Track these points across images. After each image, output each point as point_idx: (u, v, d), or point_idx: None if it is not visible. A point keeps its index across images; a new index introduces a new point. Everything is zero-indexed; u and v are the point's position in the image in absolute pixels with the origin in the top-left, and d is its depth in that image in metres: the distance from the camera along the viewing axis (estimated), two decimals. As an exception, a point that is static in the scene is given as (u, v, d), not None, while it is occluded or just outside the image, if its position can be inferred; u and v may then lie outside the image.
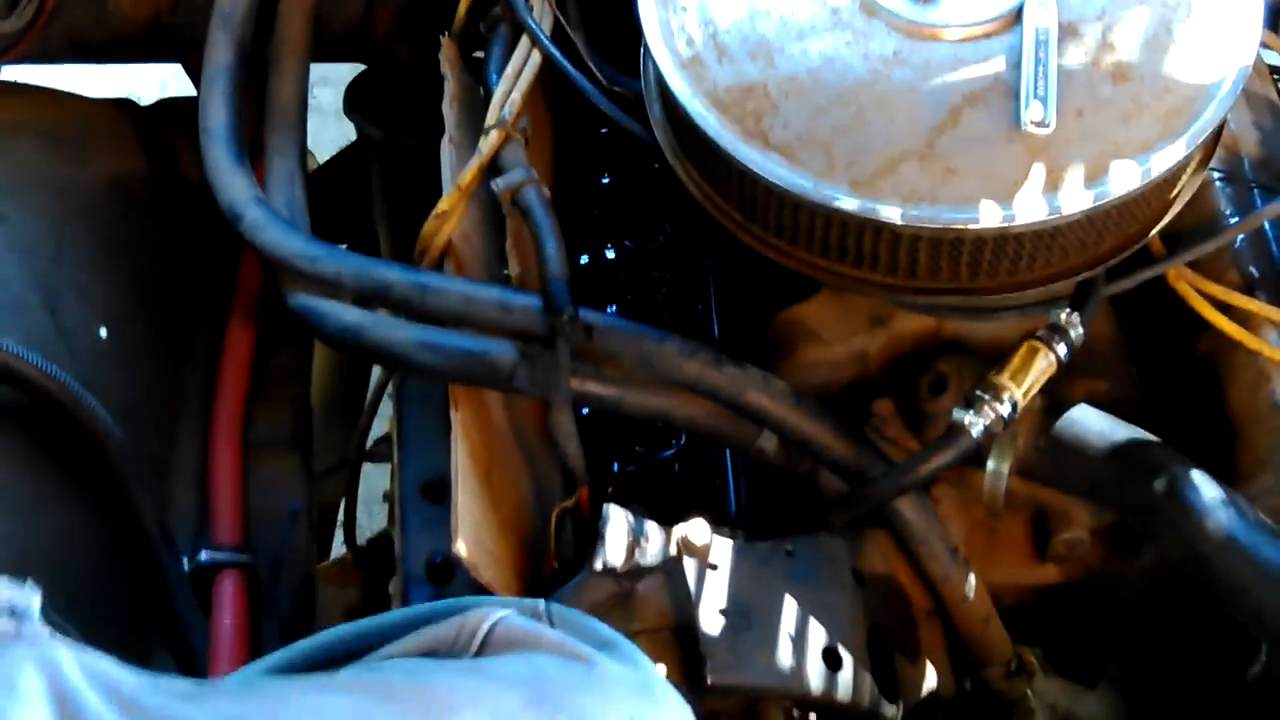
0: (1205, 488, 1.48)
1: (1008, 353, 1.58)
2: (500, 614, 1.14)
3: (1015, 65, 1.53)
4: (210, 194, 1.76)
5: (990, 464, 1.61)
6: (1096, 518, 1.71)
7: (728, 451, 1.81)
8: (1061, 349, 1.56)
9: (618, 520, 1.46)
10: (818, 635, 1.50)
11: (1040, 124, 1.48)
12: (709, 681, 1.42)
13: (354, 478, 2.07)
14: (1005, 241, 1.50)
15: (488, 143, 1.70)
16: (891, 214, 1.46)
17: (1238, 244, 1.75)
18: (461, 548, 1.46)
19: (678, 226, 1.99)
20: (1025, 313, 1.63)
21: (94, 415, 1.60)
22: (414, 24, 2.19)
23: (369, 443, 2.10)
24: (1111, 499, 1.58)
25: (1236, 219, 1.74)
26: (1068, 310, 1.58)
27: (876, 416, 1.69)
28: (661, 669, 1.47)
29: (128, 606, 1.62)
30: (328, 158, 2.60)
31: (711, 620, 1.46)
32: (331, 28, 2.16)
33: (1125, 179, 1.46)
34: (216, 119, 1.81)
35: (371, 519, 3.22)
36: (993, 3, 1.57)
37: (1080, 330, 1.58)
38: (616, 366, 1.61)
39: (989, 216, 1.45)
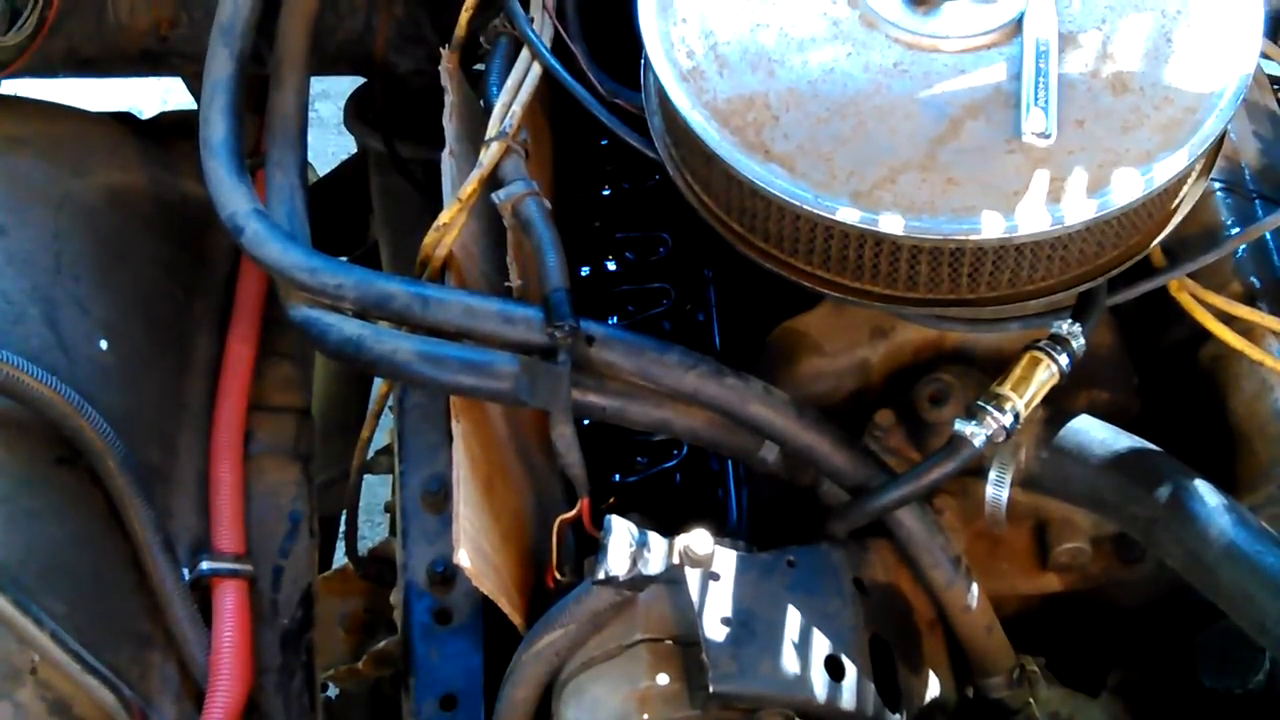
0: (1208, 497, 1.48)
1: (1009, 363, 1.58)
2: None
3: (1015, 76, 1.53)
4: (210, 206, 1.77)
5: (992, 474, 1.61)
6: (1098, 527, 1.71)
7: (729, 462, 1.81)
8: (1063, 359, 1.56)
9: (620, 531, 1.46)
10: (820, 644, 1.50)
11: (1041, 134, 1.48)
12: (712, 690, 1.42)
13: (355, 488, 2.07)
14: (1006, 252, 1.50)
15: (488, 155, 1.71)
16: (892, 225, 1.46)
17: (1239, 254, 1.75)
18: (463, 558, 1.46)
19: (678, 238, 1.99)
20: (1027, 323, 1.63)
21: (94, 426, 1.61)
22: (414, 37, 2.20)
23: (370, 454, 2.10)
24: (1113, 509, 1.57)
25: (1238, 229, 1.74)
26: (1069, 321, 1.58)
27: (878, 427, 1.68)
28: (664, 678, 1.47)
29: (128, 617, 1.62)
30: (328, 170, 2.61)
31: (714, 629, 1.46)
32: (332, 41, 2.16)
33: (1127, 189, 1.46)
34: (217, 132, 1.81)
35: (373, 529, 3.23)
36: (992, 14, 1.57)
37: (1082, 341, 1.58)
38: (618, 378, 1.61)
39: (990, 227, 1.45)
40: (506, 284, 1.71)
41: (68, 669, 1.48)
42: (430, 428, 1.92)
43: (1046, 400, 1.57)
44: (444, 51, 1.92)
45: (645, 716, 1.46)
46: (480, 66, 1.92)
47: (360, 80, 2.35)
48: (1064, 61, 1.54)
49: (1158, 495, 1.50)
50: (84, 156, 1.94)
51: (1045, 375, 1.56)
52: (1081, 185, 1.46)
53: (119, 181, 1.96)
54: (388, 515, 2.34)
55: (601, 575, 1.45)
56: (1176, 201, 1.61)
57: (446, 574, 1.83)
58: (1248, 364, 1.68)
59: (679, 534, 1.48)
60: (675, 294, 1.95)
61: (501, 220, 1.70)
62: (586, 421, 1.71)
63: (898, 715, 1.54)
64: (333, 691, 2.24)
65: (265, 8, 1.92)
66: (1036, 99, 1.50)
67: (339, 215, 2.43)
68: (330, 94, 3.95)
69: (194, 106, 1.96)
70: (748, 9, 1.62)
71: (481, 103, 1.82)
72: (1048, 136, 1.48)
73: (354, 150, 2.54)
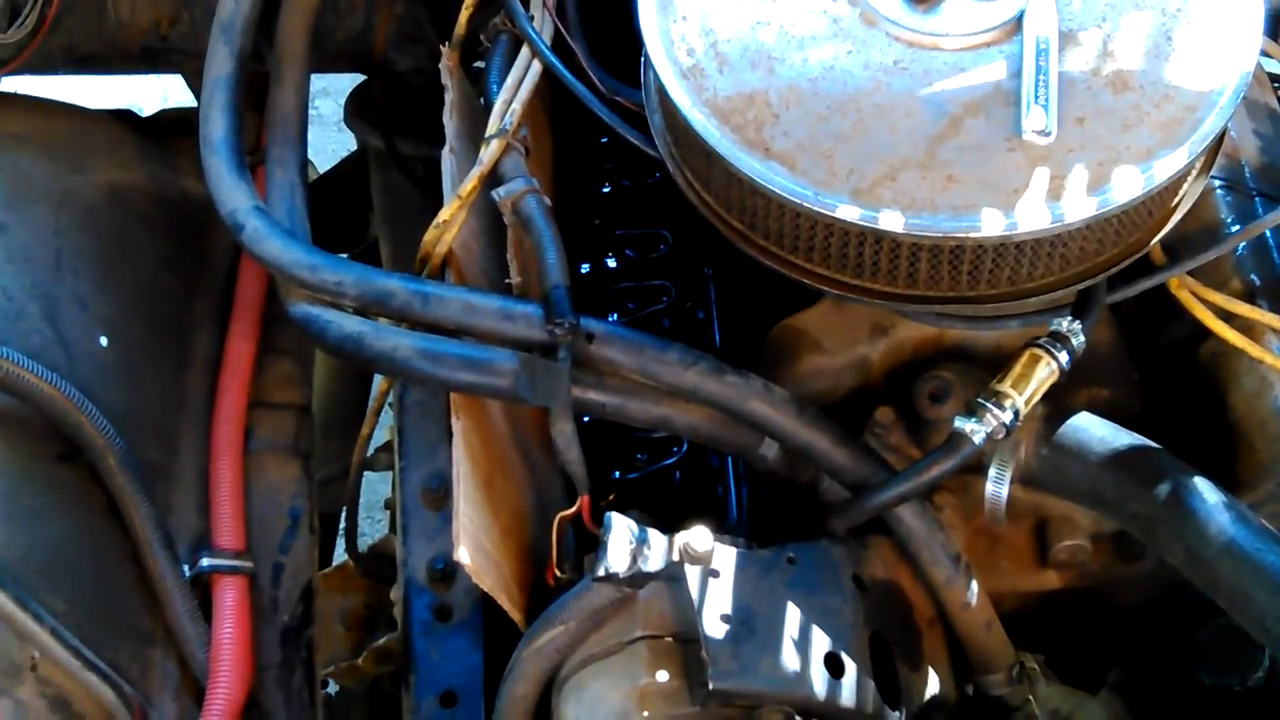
0: (1207, 495, 1.48)
1: (1009, 360, 1.58)
2: None
3: (1016, 74, 1.53)
4: (210, 203, 1.77)
5: (992, 471, 1.61)
6: (1098, 525, 1.71)
7: (729, 459, 1.81)
8: (1063, 357, 1.56)
9: (619, 528, 1.46)
10: (820, 642, 1.50)
11: (1041, 132, 1.48)
12: (711, 687, 1.42)
13: (355, 485, 2.07)
14: (1006, 250, 1.50)
15: (488, 152, 1.71)
16: (892, 222, 1.46)
17: (1239, 252, 1.75)
18: (463, 554, 1.46)
19: (679, 235, 1.99)
20: (1027, 321, 1.63)
21: (94, 423, 1.61)
22: (414, 35, 2.20)
23: (370, 450, 2.10)
24: (1113, 506, 1.57)
25: (1238, 227, 1.74)
26: (1069, 318, 1.58)
27: (878, 424, 1.69)
28: (663, 675, 1.47)
29: (128, 614, 1.62)
30: (328, 167, 2.61)
31: (714, 626, 1.46)
32: (332, 39, 2.17)
33: (1127, 187, 1.46)
34: (217, 130, 1.81)
35: (373, 526, 3.23)
36: (993, 12, 1.57)
37: (1082, 338, 1.58)
38: (618, 375, 1.61)
39: (990, 225, 1.45)
40: (506, 281, 1.71)
41: (67, 666, 1.48)
42: (430, 425, 1.93)
43: (1046, 397, 1.58)
44: (444, 49, 1.92)
45: (645, 714, 1.46)
46: (480, 64, 1.92)
47: (360, 78, 2.35)
48: (1064, 59, 1.54)
49: (1157, 493, 1.50)
50: (84, 154, 1.94)
51: (1045, 372, 1.56)
52: (1081, 183, 1.46)
53: (119, 179, 1.96)
54: (388, 512, 2.34)
55: (601, 572, 1.45)
56: (1176, 199, 1.61)
57: (446, 571, 1.83)
58: (1248, 362, 1.68)
59: (679, 531, 1.48)
60: (675, 291, 1.95)
61: (502, 217, 1.70)
62: (586, 418, 1.71)
63: (897, 713, 1.54)
64: (333, 688, 2.24)
65: (266, 5, 1.92)
66: (1037, 97, 1.50)
67: (339, 212, 2.43)
68: (330, 91, 3.95)
69: (194, 104, 1.96)
70: (748, 7, 1.62)
71: (481, 100, 1.82)
72: (1048, 134, 1.48)
73: (354, 148, 2.54)
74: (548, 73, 1.80)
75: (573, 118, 1.95)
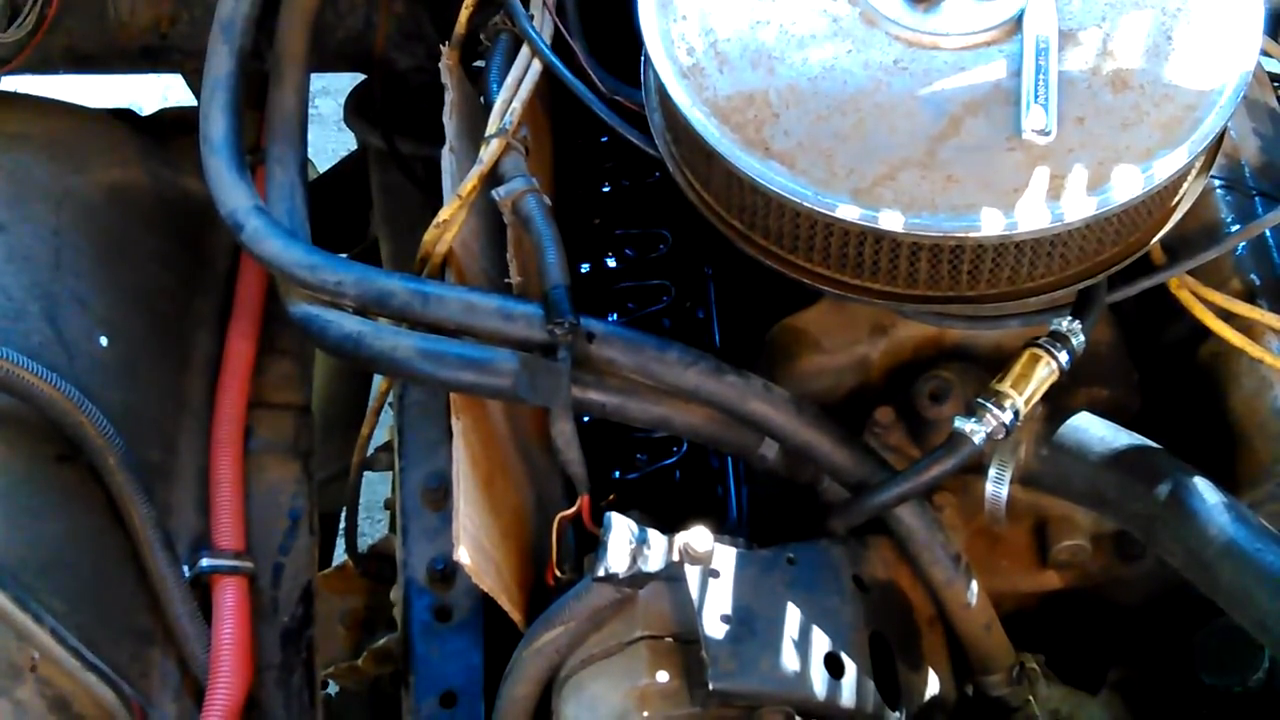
0: (1207, 494, 1.48)
1: (1009, 360, 1.58)
2: None
3: (1016, 73, 1.53)
4: (210, 203, 1.77)
5: (992, 471, 1.61)
6: (1098, 525, 1.71)
7: (729, 459, 1.81)
8: (1063, 357, 1.56)
9: (620, 528, 1.46)
10: (820, 642, 1.50)
11: (1041, 131, 1.48)
12: (711, 687, 1.42)
13: (355, 485, 2.07)
14: (1006, 249, 1.50)
15: (488, 152, 1.71)
16: (892, 222, 1.46)
17: (1239, 251, 1.75)
18: (463, 555, 1.46)
19: (678, 235, 1.99)
20: (1027, 321, 1.63)
21: (95, 423, 1.61)
22: (414, 34, 2.20)
23: (370, 450, 2.10)
24: (1113, 506, 1.57)
25: (1238, 227, 1.74)
26: (1069, 318, 1.58)
27: (878, 424, 1.69)
28: (663, 676, 1.47)
29: (128, 614, 1.62)
30: (328, 167, 2.61)
31: (714, 627, 1.46)
32: (332, 38, 2.17)
33: (1127, 186, 1.46)
34: (217, 129, 1.81)
35: (373, 526, 3.23)
36: (993, 11, 1.57)
37: (1082, 338, 1.58)
38: (618, 375, 1.61)
39: (990, 224, 1.45)
40: (506, 280, 1.71)
41: (67, 666, 1.48)
42: (430, 424, 1.92)
43: (1046, 397, 1.57)
44: (444, 48, 1.92)
45: (645, 714, 1.46)
46: (480, 63, 1.92)
47: (360, 77, 2.35)
48: (1064, 59, 1.54)
49: (1158, 493, 1.50)
50: (84, 153, 1.94)
51: (1045, 372, 1.56)
52: (1081, 182, 1.46)
53: (119, 178, 1.96)
54: (388, 512, 2.34)
55: (601, 572, 1.45)
56: (1176, 199, 1.61)
57: (447, 571, 1.83)
58: (1247, 361, 1.68)
59: (679, 531, 1.48)
60: (675, 291, 1.95)
61: (502, 217, 1.70)
62: (586, 418, 1.71)
63: (897, 713, 1.54)
64: (333, 689, 2.24)
65: (266, 5, 1.93)
66: (1036, 96, 1.50)
67: (339, 212, 2.43)
68: (330, 90, 3.95)
69: (194, 103, 1.96)
70: (748, 6, 1.62)
71: (481, 99, 1.82)
72: (1048, 134, 1.48)
73: (354, 147, 2.54)
74: (548, 72, 1.80)
75: (573, 117, 1.95)
